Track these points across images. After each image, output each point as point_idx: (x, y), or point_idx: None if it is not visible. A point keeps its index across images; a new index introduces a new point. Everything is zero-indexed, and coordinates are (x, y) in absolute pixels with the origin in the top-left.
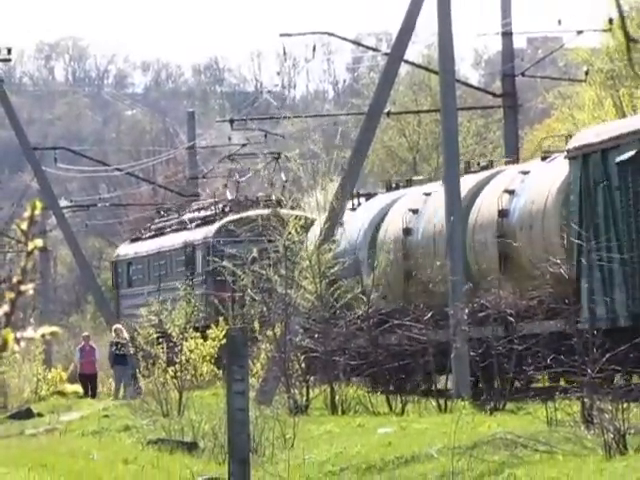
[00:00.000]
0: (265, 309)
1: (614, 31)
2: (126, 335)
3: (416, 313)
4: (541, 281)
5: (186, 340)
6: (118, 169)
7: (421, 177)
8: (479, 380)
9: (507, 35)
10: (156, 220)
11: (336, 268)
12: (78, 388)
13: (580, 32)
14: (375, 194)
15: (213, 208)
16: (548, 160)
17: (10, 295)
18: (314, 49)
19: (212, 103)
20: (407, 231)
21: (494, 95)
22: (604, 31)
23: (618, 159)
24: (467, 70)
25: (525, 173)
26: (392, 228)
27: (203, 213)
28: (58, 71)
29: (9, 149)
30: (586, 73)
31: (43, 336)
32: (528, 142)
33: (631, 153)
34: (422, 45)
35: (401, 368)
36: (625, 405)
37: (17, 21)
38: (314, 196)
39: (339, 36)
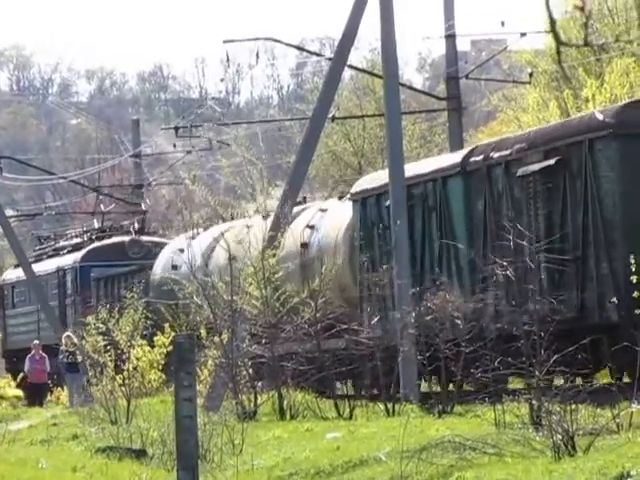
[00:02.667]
0: (211, 316)
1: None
2: (76, 342)
3: (363, 317)
4: (335, 305)
5: (133, 348)
6: (63, 177)
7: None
8: (427, 383)
9: (450, 38)
10: (36, 247)
11: (280, 273)
12: (19, 392)
13: (523, 34)
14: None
15: (83, 236)
16: (343, 199)
17: None
18: (257, 55)
19: (157, 110)
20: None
21: (438, 98)
22: (547, 32)
23: (387, 203)
24: (411, 74)
25: (324, 211)
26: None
27: (74, 240)
28: (2, 80)
29: None
30: (530, 75)
31: None
32: (473, 145)
33: None
34: (366, 50)
35: (348, 373)
36: (573, 406)
37: None
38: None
39: (282, 42)
